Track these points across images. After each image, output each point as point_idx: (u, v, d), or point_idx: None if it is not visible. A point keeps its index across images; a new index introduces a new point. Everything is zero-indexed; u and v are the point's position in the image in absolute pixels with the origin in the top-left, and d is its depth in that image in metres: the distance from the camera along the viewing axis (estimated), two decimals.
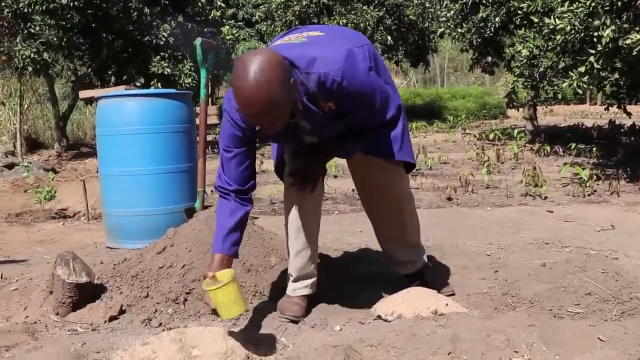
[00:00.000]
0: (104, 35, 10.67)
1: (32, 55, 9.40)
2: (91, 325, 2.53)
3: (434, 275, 2.96)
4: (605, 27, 5.63)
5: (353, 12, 14.56)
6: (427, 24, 16.22)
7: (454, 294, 2.85)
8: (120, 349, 2.21)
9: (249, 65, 2.04)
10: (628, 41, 5.43)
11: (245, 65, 2.04)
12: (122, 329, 2.50)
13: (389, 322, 2.45)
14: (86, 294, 2.70)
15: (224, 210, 2.39)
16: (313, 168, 2.58)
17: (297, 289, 2.67)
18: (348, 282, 3.08)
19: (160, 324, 2.53)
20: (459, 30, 10.48)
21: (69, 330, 2.50)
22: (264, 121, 2.13)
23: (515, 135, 10.36)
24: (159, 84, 10.40)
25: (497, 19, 9.25)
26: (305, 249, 2.66)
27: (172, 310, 2.65)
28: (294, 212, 2.65)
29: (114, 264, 3.05)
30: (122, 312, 2.65)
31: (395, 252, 2.86)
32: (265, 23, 16.46)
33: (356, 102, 2.31)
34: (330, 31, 2.56)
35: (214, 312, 2.27)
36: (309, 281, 2.69)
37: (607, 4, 5.64)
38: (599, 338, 2.14)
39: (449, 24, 10.77)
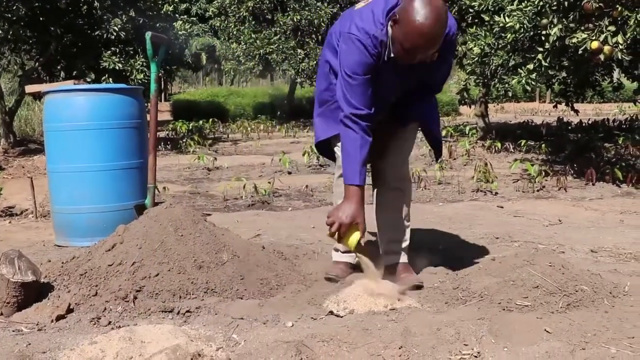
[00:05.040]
0: (53, 28, 10.40)
1: None
2: (37, 325, 2.46)
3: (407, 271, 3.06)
4: (552, 26, 5.75)
5: (307, 9, 14.56)
6: None
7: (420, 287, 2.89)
8: (67, 349, 2.16)
9: (434, 5, 2.44)
10: (574, 40, 5.56)
11: (431, 5, 2.44)
12: (70, 328, 2.44)
13: (341, 317, 2.46)
14: (32, 293, 2.63)
15: (353, 143, 2.71)
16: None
17: (343, 257, 3.16)
18: (301, 277, 3.08)
19: (110, 323, 2.48)
20: None
21: (13, 331, 2.42)
22: (426, 53, 2.54)
23: (467, 132, 10.51)
24: (110, 80, 10.20)
25: None
26: None
27: (121, 308, 2.60)
28: None
29: (62, 262, 2.98)
30: (70, 311, 2.58)
31: (390, 235, 3.07)
32: (218, 18, 16.31)
33: (448, 56, 2.80)
34: None
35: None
36: (354, 254, 3.06)
37: (555, 3, 5.76)
38: (545, 330, 2.19)
39: None
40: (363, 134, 2.71)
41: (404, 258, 3.08)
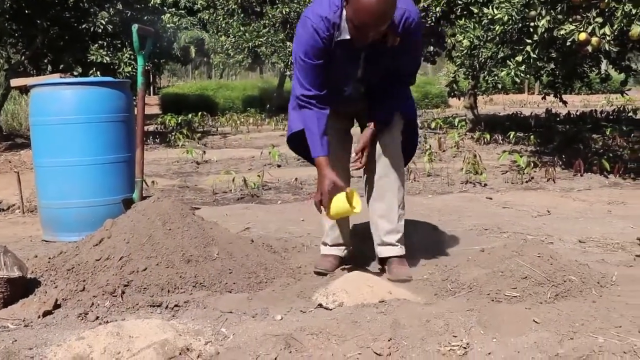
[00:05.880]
0: (39, 21, 10.31)
1: None
2: (24, 321, 2.44)
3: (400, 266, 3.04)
4: (540, 18, 5.75)
5: (296, 1, 14.48)
6: None
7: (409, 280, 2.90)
8: (55, 345, 2.14)
9: None
10: (562, 32, 5.56)
11: None
12: (57, 324, 2.42)
13: (330, 310, 2.45)
14: (18, 289, 2.61)
15: (310, 119, 2.85)
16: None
17: (332, 250, 3.17)
18: (290, 271, 3.07)
19: (97, 318, 2.46)
20: None
21: None
22: (374, 32, 2.62)
23: (456, 124, 10.52)
24: (98, 73, 10.14)
25: (437, 9, 9.33)
26: (338, 222, 3.12)
27: (109, 303, 2.58)
28: None
29: (49, 258, 2.97)
30: (57, 306, 2.57)
31: (384, 225, 3.05)
32: (207, 11, 16.20)
33: (412, 45, 2.83)
34: None
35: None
36: (342, 247, 3.19)
37: None
38: (534, 320, 2.19)
39: None
40: (317, 109, 2.85)
41: (399, 250, 3.05)
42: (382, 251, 3.07)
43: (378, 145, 3.02)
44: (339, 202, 2.79)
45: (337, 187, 2.80)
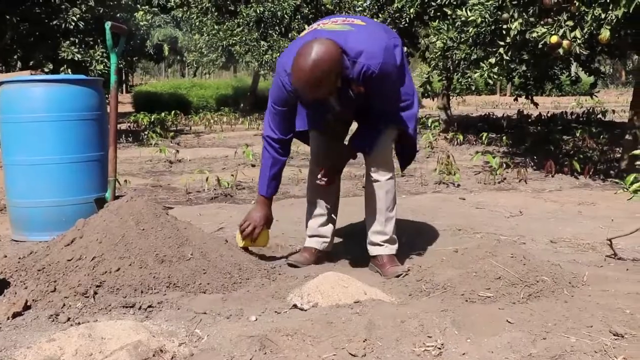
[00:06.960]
0: (8, 17, 10.13)
1: None
2: None
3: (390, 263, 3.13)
4: (513, 20, 5.81)
5: (270, 0, 14.46)
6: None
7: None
8: (24, 347, 2.11)
9: (312, 52, 2.63)
10: (534, 34, 5.63)
11: (309, 52, 2.63)
12: (27, 326, 2.38)
13: (305, 310, 2.45)
14: None
15: (266, 161, 3.12)
16: (340, 164, 3.17)
17: (309, 242, 3.31)
18: (265, 271, 3.06)
19: (69, 319, 2.43)
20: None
21: None
22: (310, 96, 2.77)
23: (429, 125, 10.59)
24: (69, 70, 10.00)
25: (411, 10, 9.39)
26: (319, 214, 3.32)
27: (81, 304, 2.55)
28: (315, 190, 3.30)
29: (19, 258, 2.91)
30: (27, 307, 2.52)
31: (371, 226, 3.17)
32: (181, 9, 16.09)
33: (380, 90, 2.86)
34: (369, 22, 3.07)
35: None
36: (320, 239, 3.31)
37: None
38: (507, 320, 2.22)
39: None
40: (275, 155, 3.11)
41: (385, 250, 3.14)
42: (370, 250, 3.19)
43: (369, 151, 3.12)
44: (259, 237, 3.24)
45: (268, 225, 3.22)
